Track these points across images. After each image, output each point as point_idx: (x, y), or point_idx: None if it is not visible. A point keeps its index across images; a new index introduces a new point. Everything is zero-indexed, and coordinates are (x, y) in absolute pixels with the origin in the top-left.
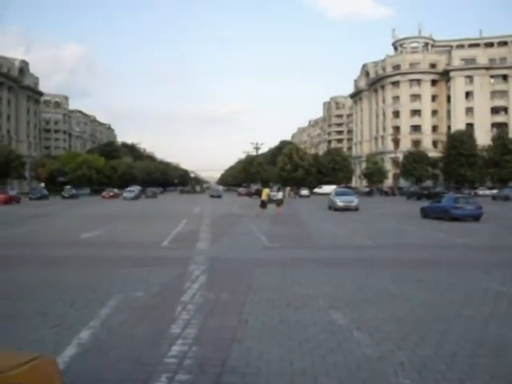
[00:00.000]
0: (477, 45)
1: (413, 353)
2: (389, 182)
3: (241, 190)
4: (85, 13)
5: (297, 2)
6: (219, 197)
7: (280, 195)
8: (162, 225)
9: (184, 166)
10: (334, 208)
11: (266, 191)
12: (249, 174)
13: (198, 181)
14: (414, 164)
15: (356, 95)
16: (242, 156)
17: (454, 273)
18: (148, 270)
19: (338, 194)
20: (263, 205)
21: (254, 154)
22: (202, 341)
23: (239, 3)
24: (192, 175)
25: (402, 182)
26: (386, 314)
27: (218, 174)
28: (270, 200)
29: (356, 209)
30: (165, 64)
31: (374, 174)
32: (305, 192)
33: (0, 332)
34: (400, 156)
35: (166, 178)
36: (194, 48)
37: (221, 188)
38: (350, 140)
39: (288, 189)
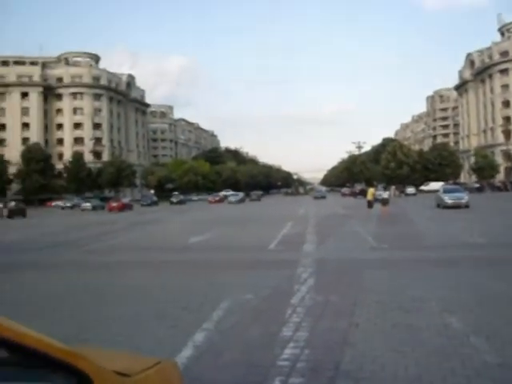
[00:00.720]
0: None
1: None
2: (500, 176)
3: (344, 190)
4: (187, 25)
5: None
6: (323, 198)
7: (386, 194)
8: (267, 228)
9: (286, 168)
10: (442, 206)
11: (371, 191)
12: (352, 174)
13: (300, 182)
14: None
15: (461, 87)
16: (345, 156)
17: None
18: (256, 272)
19: (446, 190)
20: (370, 205)
21: (357, 153)
22: (313, 344)
23: (333, 1)
24: (295, 177)
25: None
26: (503, 317)
27: (320, 175)
28: (376, 199)
29: (466, 206)
30: (265, 69)
31: (484, 169)
32: (411, 190)
33: (121, 334)
34: None
35: (269, 181)
36: (293, 51)
37: (324, 189)
38: (456, 134)
39: (393, 187)
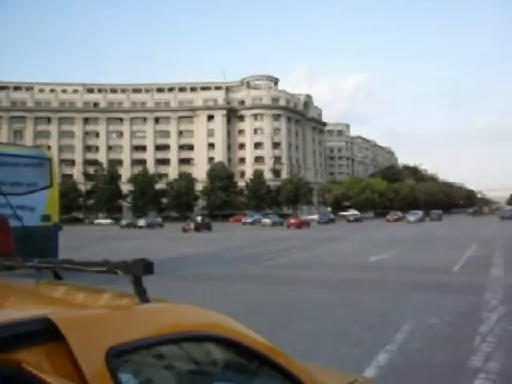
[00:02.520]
0: None
1: None
2: None
3: None
4: (362, 41)
5: None
6: (511, 218)
7: None
8: (450, 249)
9: (469, 186)
10: None
11: None
12: None
13: (484, 201)
14: None
15: None
16: None
17: None
18: (440, 296)
19: None
20: None
21: None
22: (505, 376)
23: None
24: (478, 196)
25: None
26: None
27: (507, 194)
28: None
29: None
30: (444, 83)
31: None
32: None
33: (304, 350)
34: None
35: (450, 200)
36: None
37: (510, 208)
38: None
39: None
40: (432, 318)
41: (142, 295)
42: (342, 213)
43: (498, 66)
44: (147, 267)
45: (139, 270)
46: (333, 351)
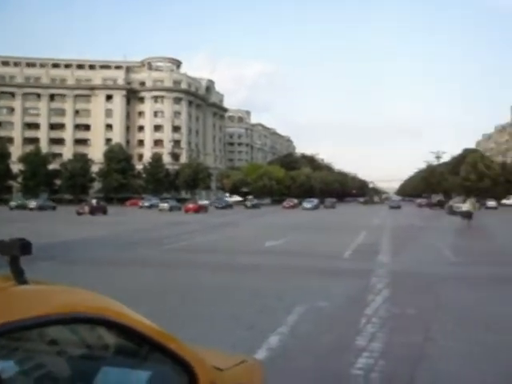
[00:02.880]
0: None
1: None
2: None
3: (420, 200)
4: (266, 30)
5: (474, 2)
6: (398, 207)
7: (466, 207)
8: (341, 235)
9: (362, 176)
10: None
11: (472, 201)
12: (429, 185)
13: (376, 191)
14: None
15: None
16: (423, 166)
17: None
18: (330, 280)
19: None
20: (468, 216)
21: (435, 163)
22: (388, 355)
23: (418, 8)
24: (370, 186)
25: None
26: None
27: (396, 185)
28: (454, 212)
29: None
30: (343, 76)
31: None
32: (491, 203)
33: (197, 333)
34: None
35: (344, 189)
36: (370, 58)
37: (399, 198)
38: None
39: (473, 200)
40: (322, 301)
41: (19, 276)
42: (230, 197)
43: (396, 63)
44: (25, 247)
45: (16, 250)
46: (226, 334)
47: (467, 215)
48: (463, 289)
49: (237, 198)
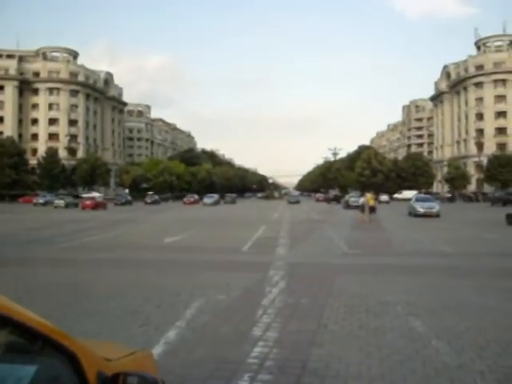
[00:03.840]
0: None
1: (494, 362)
2: (472, 187)
3: (318, 195)
4: (168, 23)
5: (373, 4)
6: (297, 202)
7: (362, 201)
8: (241, 230)
9: (262, 171)
10: (414, 214)
11: (370, 196)
12: (326, 180)
13: (275, 187)
14: (500, 168)
15: (437, 98)
16: (320, 161)
17: None
18: (229, 274)
19: (418, 199)
20: (373, 210)
21: (333, 159)
22: (282, 343)
23: (317, 7)
24: (270, 181)
25: (486, 188)
26: (466, 322)
27: (295, 180)
28: (349, 205)
29: (437, 215)
30: (244, 72)
31: (457, 179)
32: (384, 198)
33: (92, 329)
34: (484, 160)
35: (245, 184)
36: (271, 54)
37: (298, 193)
38: (430, 144)
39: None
40: (220, 294)
41: None
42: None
43: (296, 60)
44: None
45: None
46: (122, 330)
47: (362, 209)
48: (354, 278)
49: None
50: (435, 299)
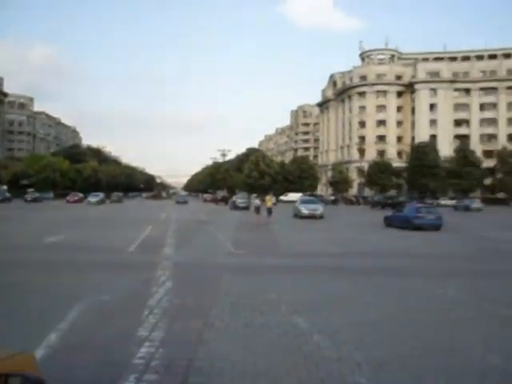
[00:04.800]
0: (441, 58)
1: (369, 354)
2: (354, 190)
3: (206, 196)
4: (54, 13)
5: (266, 12)
6: (185, 203)
7: (257, 203)
8: (128, 230)
9: (150, 171)
10: (299, 216)
11: (269, 198)
12: (215, 181)
13: (163, 186)
14: (379, 173)
15: (323, 104)
16: (209, 162)
17: (412, 280)
18: (114, 274)
19: (303, 201)
20: (270, 211)
21: (221, 160)
22: (168, 343)
23: (210, 11)
24: (158, 181)
25: (367, 191)
26: (346, 318)
27: (184, 180)
28: (237, 206)
29: (321, 217)
30: (134, 70)
31: (340, 183)
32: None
33: None
34: (365, 165)
35: (132, 183)
36: (165, 55)
37: (185, 194)
38: (316, 148)
39: (254, 196)
40: (105, 295)
41: None
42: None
43: (188, 60)
44: None
45: None
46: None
47: (269, 211)
48: (240, 278)
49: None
50: (318, 297)
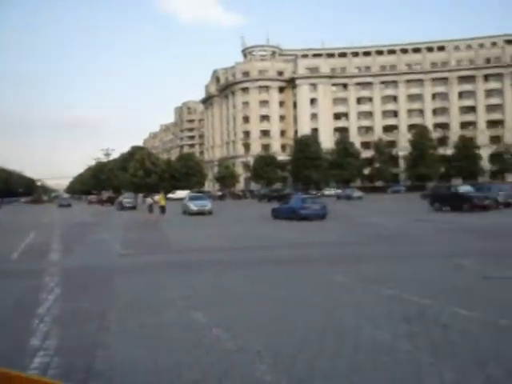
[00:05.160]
0: (319, 55)
1: (268, 342)
2: (240, 185)
3: (91, 197)
4: None
5: (147, 7)
6: (69, 206)
7: (148, 201)
8: (8, 237)
9: (31, 174)
10: (188, 213)
11: (162, 197)
12: (99, 182)
13: (45, 190)
14: (264, 167)
15: (207, 100)
16: (92, 163)
17: (302, 268)
18: None
19: (191, 198)
20: (163, 209)
21: (105, 160)
22: (63, 351)
23: (89, 7)
24: (38, 184)
25: (253, 185)
26: (242, 310)
27: (66, 182)
28: (124, 207)
29: (210, 213)
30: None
31: (226, 178)
32: (156, 197)
33: None
34: (251, 160)
35: (9, 187)
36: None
37: (68, 196)
38: (202, 145)
39: (141, 195)
40: None
41: None
42: None
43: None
44: None
45: None
46: None
47: (162, 209)
48: (132, 277)
49: None
50: (213, 291)
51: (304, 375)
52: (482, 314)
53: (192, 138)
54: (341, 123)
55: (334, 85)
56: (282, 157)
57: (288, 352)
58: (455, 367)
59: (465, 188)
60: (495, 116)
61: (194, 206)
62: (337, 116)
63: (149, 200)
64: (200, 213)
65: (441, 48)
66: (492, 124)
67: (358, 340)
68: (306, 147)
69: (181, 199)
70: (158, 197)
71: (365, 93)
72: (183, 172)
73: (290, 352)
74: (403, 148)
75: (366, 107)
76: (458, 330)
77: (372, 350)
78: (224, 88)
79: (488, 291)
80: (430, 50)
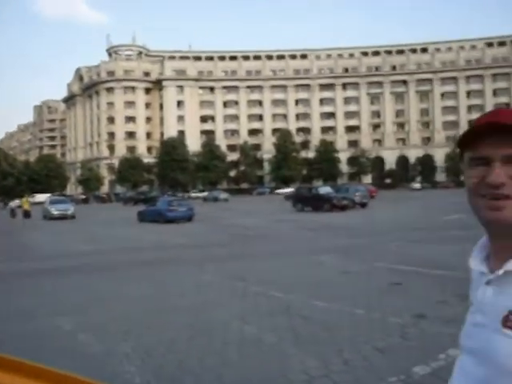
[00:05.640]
0: (187, 57)
1: (137, 343)
2: (105, 188)
3: None
4: None
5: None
6: None
7: (11, 206)
8: None
9: None
10: (49, 217)
11: (25, 200)
12: None
13: None
14: (130, 170)
15: (69, 100)
16: None
17: (171, 269)
18: None
19: (52, 202)
20: (27, 214)
21: None
22: None
23: None
24: None
25: (119, 188)
26: (110, 313)
27: None
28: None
29: (73, 217)
30: None
31: (90, 181)
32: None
33: None
34: (116, 162)
35: None
36: None
37: None
38: (63, 146)
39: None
40: None
41: None
42: None
43: None
44: None
45: None
46: None
47: (26, 214)
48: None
49: None
50: (77, 296)
51: (173, 374)
52: (339, 305)
53: (53, 138)
54: (207, 126)
55: (201, 88)
56: (148, 159)
57: (157, 352)
58: (316, 354)
59: (325, 189)
60: (352, 122)
61: (55, 211)
62: (203, 119)
63: (11, 204)
64: (62, 217)
65: (303, 56)
66: (350, 129)
67: (226, 335)
68: (172, 149)
69: (41, 203)
70: (19, 201)
71: (231, 96)
72: (43, 174)
73: (160, 352)
74: (268, 151)
75: (232, 111)
76: (318, 321)
77: (240, 344)
78: (88, 87)
79: (345, 284)
80: (293, 57)
